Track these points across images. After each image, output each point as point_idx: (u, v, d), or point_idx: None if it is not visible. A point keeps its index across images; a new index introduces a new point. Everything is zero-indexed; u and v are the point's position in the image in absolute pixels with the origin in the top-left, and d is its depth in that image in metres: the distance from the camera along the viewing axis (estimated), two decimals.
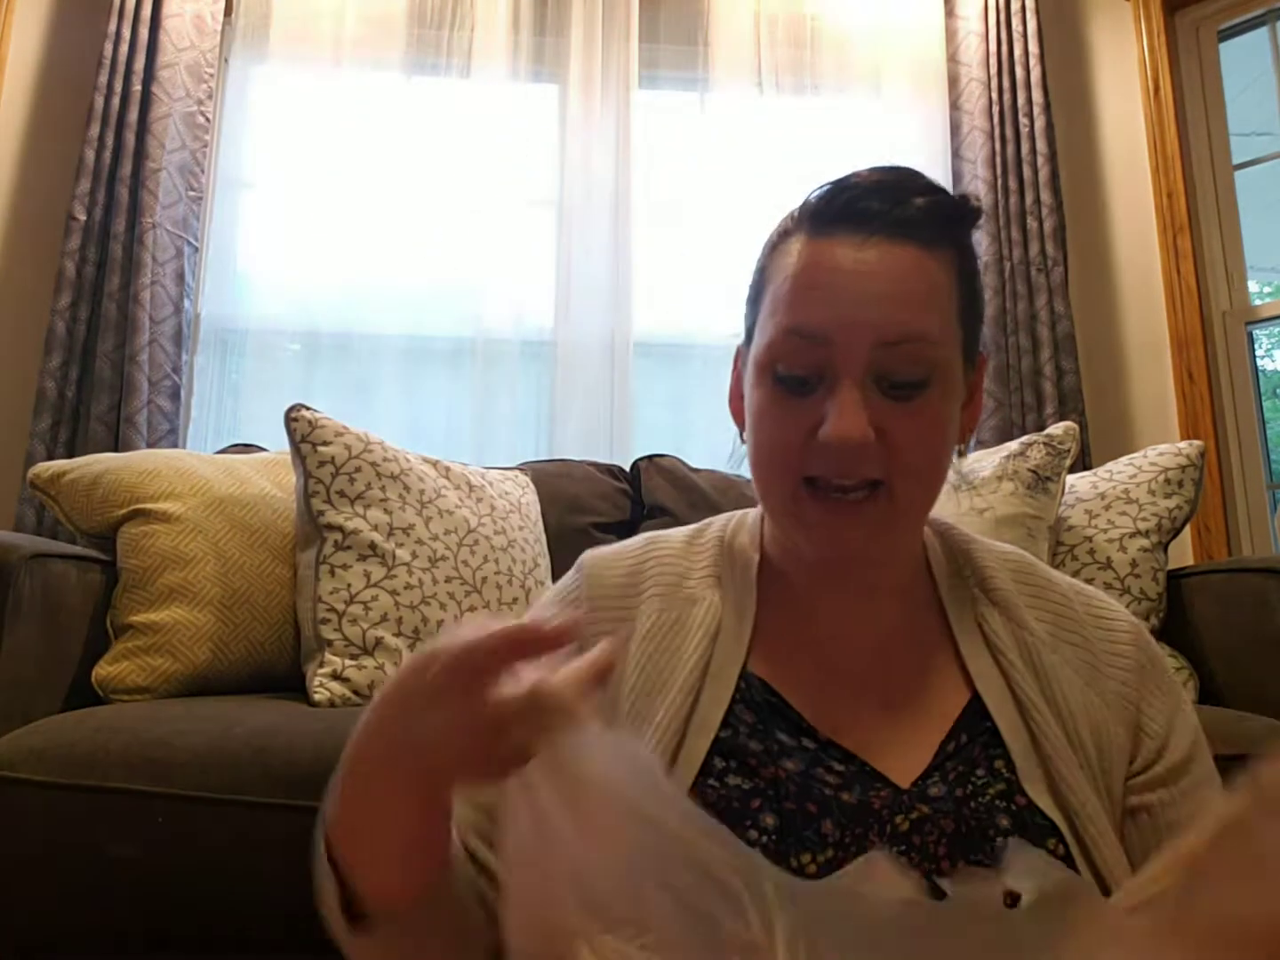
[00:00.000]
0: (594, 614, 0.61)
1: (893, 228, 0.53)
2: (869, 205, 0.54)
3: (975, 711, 0.57)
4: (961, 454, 0.59)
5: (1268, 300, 2.12)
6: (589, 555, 0.65)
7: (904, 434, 0.52)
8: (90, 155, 1.88)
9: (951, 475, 0.59)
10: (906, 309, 0.52)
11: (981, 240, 2.06)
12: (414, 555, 1.30)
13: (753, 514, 0.67)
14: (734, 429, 0.65)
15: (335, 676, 1.20)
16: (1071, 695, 0.57)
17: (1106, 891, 0.50)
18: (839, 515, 0.54)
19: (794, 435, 0.54)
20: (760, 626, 0.60)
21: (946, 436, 0.55)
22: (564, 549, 1.54)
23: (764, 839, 0.51)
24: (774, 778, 0.54)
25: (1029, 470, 1.44)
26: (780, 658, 0.60)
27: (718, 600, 0.61)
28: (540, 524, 1.56)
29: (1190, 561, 1.91)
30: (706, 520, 0.69)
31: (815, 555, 0.57)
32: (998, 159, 2.10)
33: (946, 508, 1.43)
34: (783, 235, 0.58)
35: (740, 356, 0.63)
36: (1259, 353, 2.11)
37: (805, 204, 0.58)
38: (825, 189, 0.57)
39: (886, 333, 0.52)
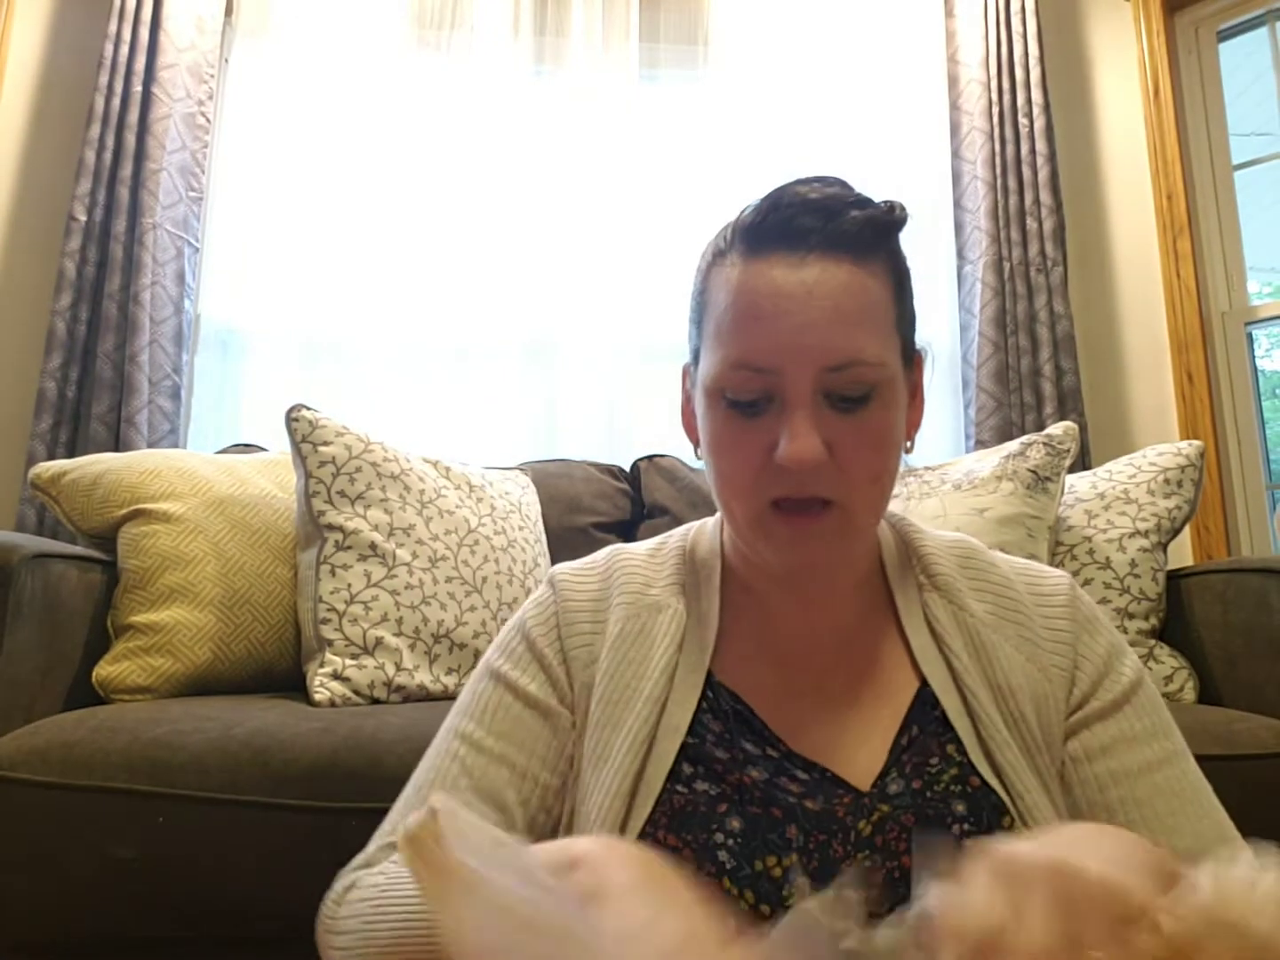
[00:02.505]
0: (570, 625, 0.64)
1: (828, 244, 0.55)
2: (803, 223, 0.55)
3: (925, 699, 0.59)
4: (908, 450, 0.61)
5: (1267, 300, 2.12)
6: (557, 570, 0.68)
7: (852, 450, 0.54)
8: (90, 156, 1.88)
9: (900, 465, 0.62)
10: (847, 332, 0.54)
11: (981, 240, 2.07)
12: (414, 555, 1.31)
13: (710, 523, 0.69)
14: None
15: (336, 676, 1.20)
16: (1013, 672, 0.59)
17: None
18: (802, 529, 0.56)
19: (753, 459, 0.56)
20: (723, 631, 0.63)
21: (892, 443, 0.57)
22: (564, 549, 1.54)
23: (730, 842, 0.54)
24: (739, 783, 0.56)
25: (1028, 470, 1.44)
26: (743, 661, 0.62)
27: (681, 607, 0.64)
28: (540, 524, 1.56)
29: (1190, 562, 1.92)
30: (663, 535, 0.71)
31: (781, 566, 0.59)
32: (997, 159, 2.10)
33: (950, 507, 1.43)
34: (718, 255, 0.59)
35: (688, 374, 0.64)
36: (1258, 353, 2.11)
37: (739, 222, 0.58)
38: (758, 207, 0.57)
39: (829, 359, 0.53)
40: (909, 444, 0.62)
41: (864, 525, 0.58)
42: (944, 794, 0.55)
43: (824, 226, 0.55)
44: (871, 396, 0.55)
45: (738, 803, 0.55)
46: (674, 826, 0.55)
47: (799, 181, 0.57)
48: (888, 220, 0.57)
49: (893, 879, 0.52)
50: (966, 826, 0.53)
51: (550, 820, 0.60)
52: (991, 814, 0.54)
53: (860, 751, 0.57)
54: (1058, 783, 0.57)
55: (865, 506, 0.57)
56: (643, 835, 0.55)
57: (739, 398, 0.56)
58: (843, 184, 0.58)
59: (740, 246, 0.57)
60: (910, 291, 0.60)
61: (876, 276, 0.56)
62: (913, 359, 0.61)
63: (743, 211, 0.59)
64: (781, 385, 0.54)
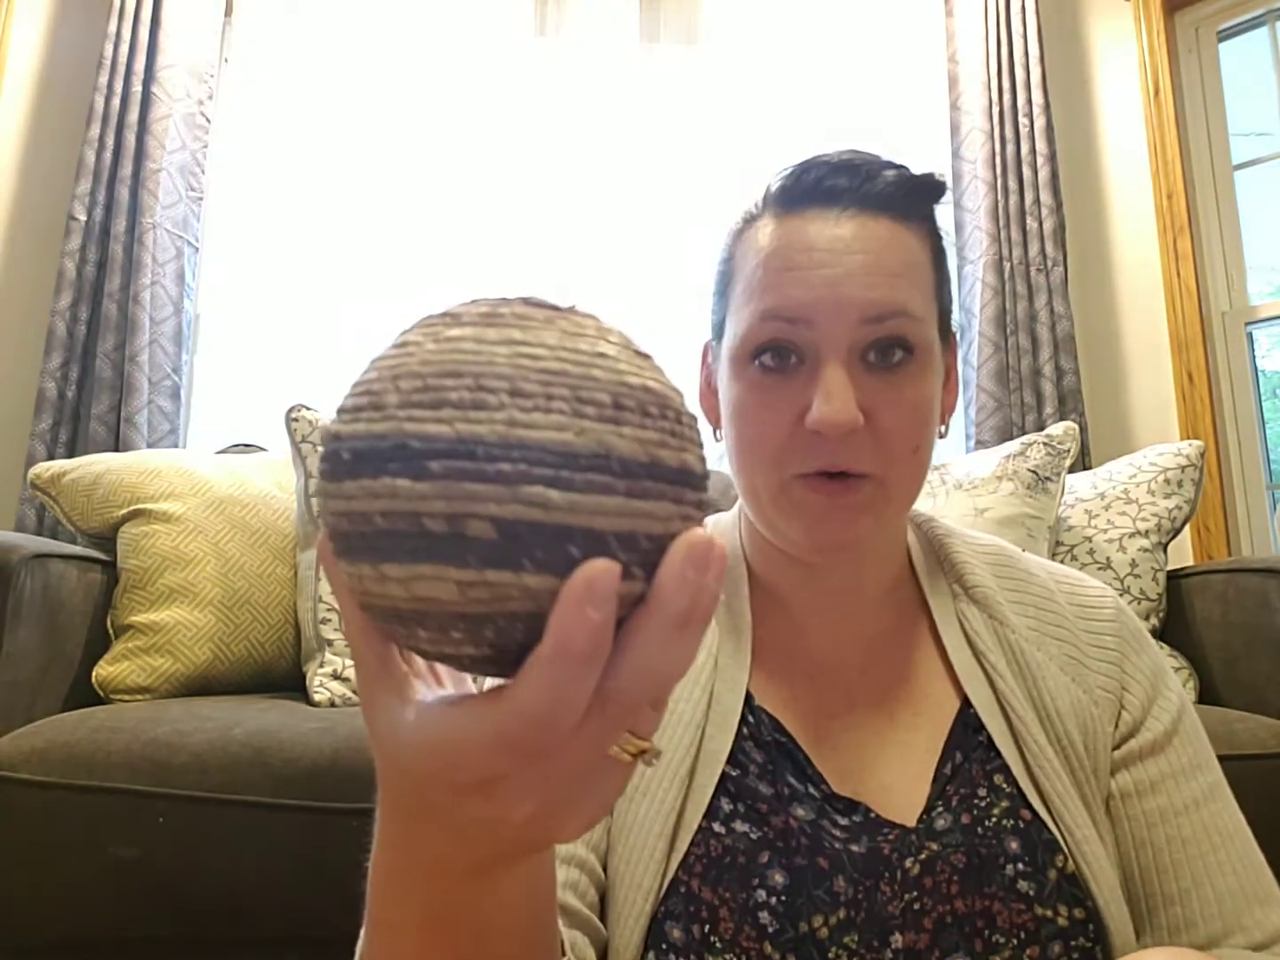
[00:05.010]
0: None
1: (865, 201, 0.52)
2: (837, 183, 0.52)
3: (967, 721, 0.55)
4: (942, 435, 0.57)
5: (1267, 300, 2.12)
6: None
7: (891, 416, 0.50)
8: (90, 156, 1.88)
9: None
10: (887, 283, 0.50)
11: (982, 240, 2.07)
12: None
13: (727, 518, 0.64)
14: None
15: (335, 676, 1.20)
16: (1059, 695, 0.54)
17: (1100, 915, 0.49)
18: (832, 496, 0.51)
19: (780, 424, 0.51)
20: (754, 643, 0.58)
21: (931, 416, 0.53)
22: None
23: (772, 900, 0.49)
24: (784, 827, 0.51)
25: (1029, 470, 1.44)
26: (774, 677, 0.57)
27: (712, 620, 0.58)
28: None
29: (1190, 561, 1.92)
30: None
31: (808, 541, 0.52)
32: (997, 159, 2.10)
33: (950, 507, 1.43)
34: (748, 221, 0.56)
35: (708, 352, 0.61)
36: (1259, 353, 2.11)
37: (769, 188, 0.55)
38: (789, 170, 0.54)
39: (869, 309, 0.50)
40: (943, 428, 0.57)
41: (900, 502, 0.53)
42: (996, 829, 0.51)
43: (859, 186, 0.52)
44: (911, 357, 0.51)
45: (781, 851, 0.50)
46: (710, 878, 0.50)
47: (829, 151, 0.55)
48: (926, 182, 0.54)
49: (944, 924, 0.48)
50: (1021, 867, 0.50)
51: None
52: (1045, 853, 0.50)
53: (900, 779, 0.53)
54: (1104, 812, 0.54)
55: (903, 480, 0.52)
56: (675, 883, 0.50)
57: (770, 357, 0.51)
58: (873, 153, 0.55)
59: (772, 209, 0.54)
60: (946, 266, 0.57)
61: (916, 237, 0.53)
62: (948, 337, 0.57)
63: (772, 180, 0.56)
64: (815, 341, 0.50)
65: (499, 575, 0.22)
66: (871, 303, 0.50)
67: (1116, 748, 0.55)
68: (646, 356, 0.26)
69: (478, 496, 0.22)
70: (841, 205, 0.52)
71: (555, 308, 0.25)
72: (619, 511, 0.23)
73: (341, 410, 0.25)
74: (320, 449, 0.26)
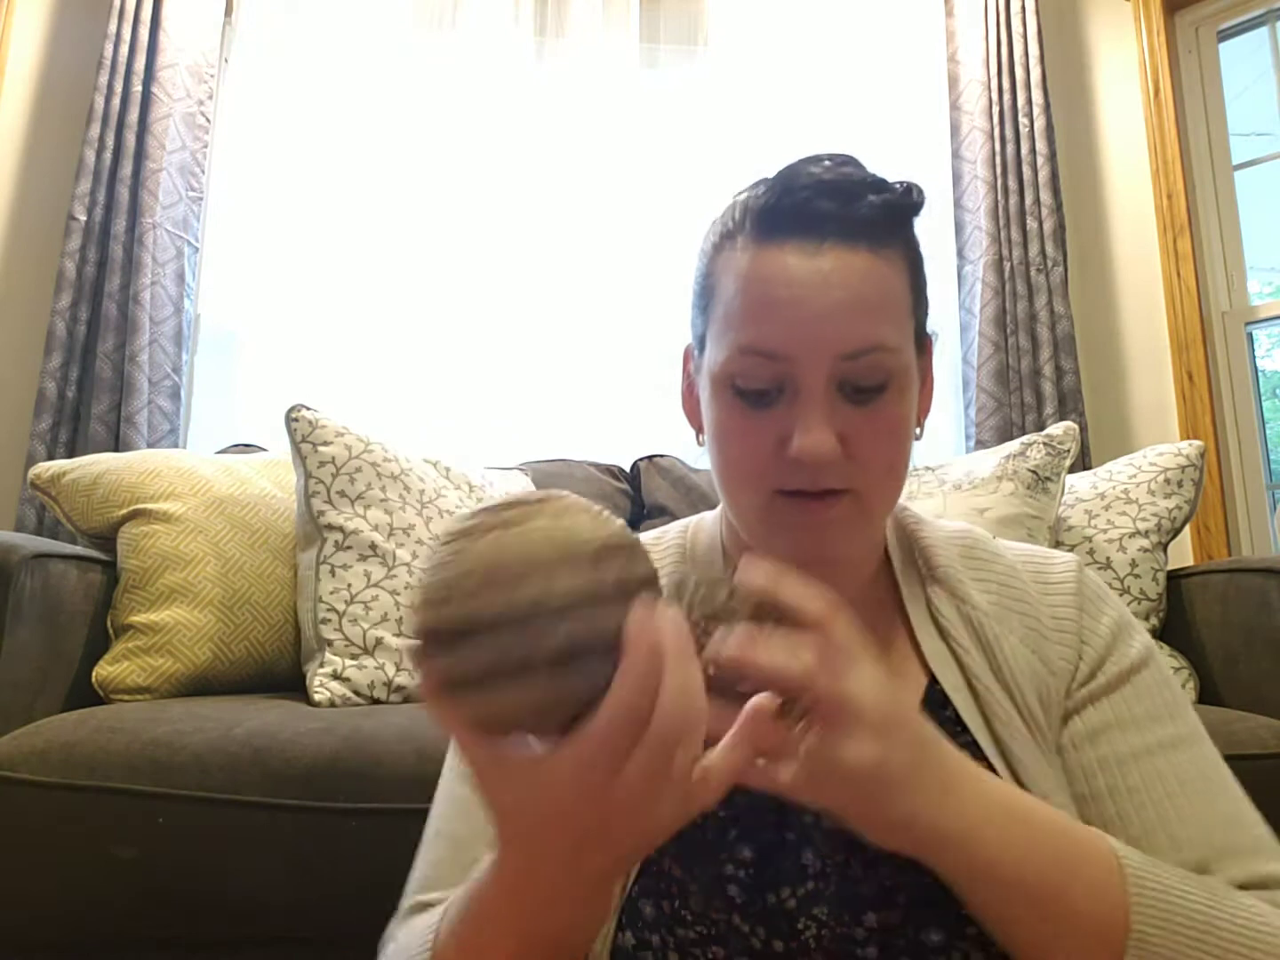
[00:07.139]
0: None
1: (845, 231, 0.52)
2: (820, 207, 0.52)
3: (934, 699, 0.56)
4: (917, 437, 0.59)
5: (1267, 300, 2.12)
6: None
7: (867, 442, 0.52)
8: (90, 156, 1.88)
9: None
10: (865, 320, 0.51)
11: (981, 240, 2.07)
12: (414, 555, 1.31)
13: (710, 518, 0.66)
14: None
15: (335, 676, 1.20)
16: (1018, 666, 0.56)
17: None
18: (814, 515, 0.53)
19: (761, 449, 0.53)
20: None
21: (907, 433, 0.55)
22: None
23: (740, 874, 0.51)
24: (750, 804, 0.53)
25: (1029, 470, 1.44)
26: None
27: None
28: None
29: (1190, 561, 1.92)
30: (661, 528, 0.68)
31: (791, 556, 0.53)
32: (997, 159, 2.11)
33: (950, 507, 1.43)
34: (726, 237, 0.56)
35: (690, 358, 0.62)
36: (1259, 353, 2.11)
37: (749, 203, 0.55)
38: (770, 188, 0.54)
39: (847, 346, 0.51)
40: (918, 431, 0.59)
41: (878, 514, 0.56)
42: None
43: (841, 213, 0.52)
44: (887, 386, 0.52)
45: (749, 826, 0.52)
46: (680, 856, 0.52)
47: (810, 160, 0.54)
48: (905, 204, 0.54)
49: (917, 900, 0.49)
50: None
51: None
52: None
53: None
54: (1064, 776, 0.54)
55: (880, 496, 0.55)
56: (648, 862, 0.52)
57: (748, 386, 0.53)
58: (855, 163, 0.55)
59: (751, 231, 0.54)
60: (924, 276, 0.58)
61: (893, 263, 0.54)
62: (924, 344, 0.59)
63: (752, 191, 0.55)
64: (794, 374, 0.52)
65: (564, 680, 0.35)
66: (850, 340, 0.51)
67: (1067, 697, 0.56)
68: (600, 512, 0.39)
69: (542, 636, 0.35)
70: (822, 235, 0.52)
71: (529, 502, 0.38)
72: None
73: (425, 601, 0.36)
74: (419, 630, 0.37)
